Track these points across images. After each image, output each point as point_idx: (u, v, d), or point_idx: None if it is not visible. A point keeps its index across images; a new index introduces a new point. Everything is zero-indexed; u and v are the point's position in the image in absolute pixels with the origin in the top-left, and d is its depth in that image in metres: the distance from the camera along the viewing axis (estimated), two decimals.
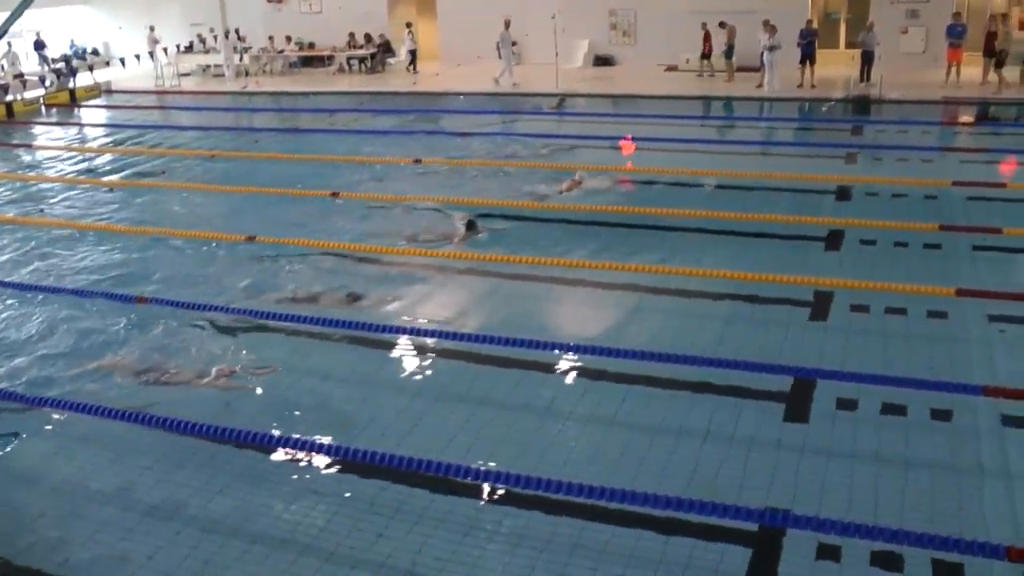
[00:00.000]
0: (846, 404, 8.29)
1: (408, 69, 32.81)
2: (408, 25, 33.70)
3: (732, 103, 26.21)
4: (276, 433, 8.08)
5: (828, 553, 6.27)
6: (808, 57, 27.11)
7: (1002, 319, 10.09)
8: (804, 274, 11.22)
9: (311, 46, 35.70)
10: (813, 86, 27.07)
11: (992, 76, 26.03)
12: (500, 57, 29.26)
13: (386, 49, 34.33)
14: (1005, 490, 7.02)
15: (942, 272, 11.55)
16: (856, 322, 10.20)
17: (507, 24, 29.04)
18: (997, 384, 8.41)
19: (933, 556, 6.11)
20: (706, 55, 29.62)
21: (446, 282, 11.93)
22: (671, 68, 31.05)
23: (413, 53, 33.03)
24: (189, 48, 36.04)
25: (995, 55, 26.30)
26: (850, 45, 31.14)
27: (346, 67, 34.33)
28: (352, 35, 34.50)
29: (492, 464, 7.48)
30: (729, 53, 28.66)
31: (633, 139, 19.55)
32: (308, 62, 35.53)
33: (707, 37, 29.42)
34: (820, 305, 10.60)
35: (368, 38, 34.38)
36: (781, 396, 8.51)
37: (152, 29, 33.86)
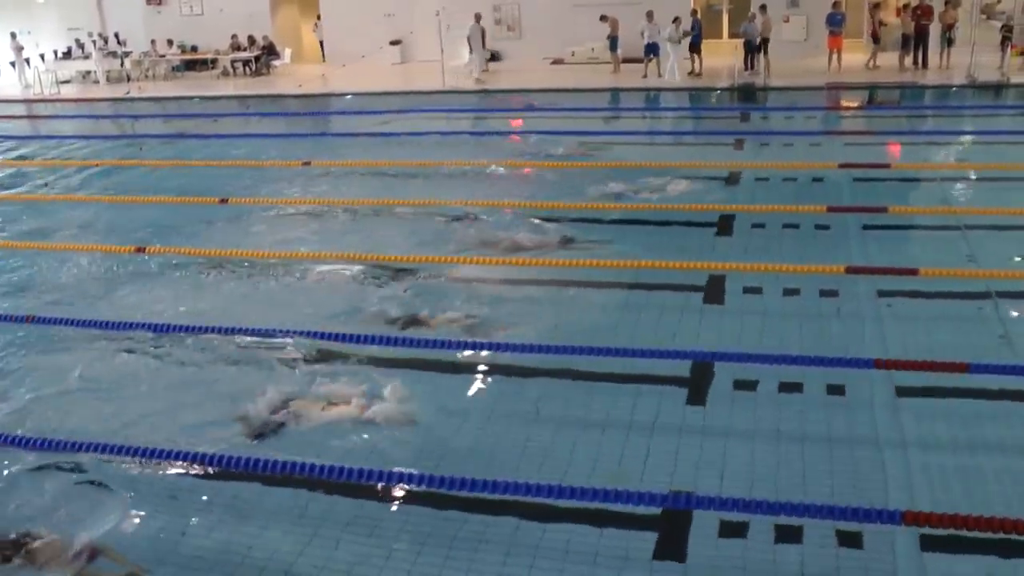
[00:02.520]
0: (744, 385, 8.39)
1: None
2: (318, 18, 33.45)
3: (620, 94, 26.49)
4: None
5: (733, 531, 6.34)
6: (695, 47, 27.73)
7: (890, 294, 10.38)
8: (697, 260, 11.38)
9: (194, 49, 35.13)
10: (699, 74, 27.66)
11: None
12: (471, 52, 28.98)
13: (270, 51, 33.90)
14: (901, 458, 7.20)
15: (832, 251, 11.80)
16: (750, 304, 10.37)
17: (478, 17, 28.83)
18: (888, 357, 8.63)
19: (835, 527, 6.22)
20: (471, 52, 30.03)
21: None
22: (557, 61, 31.32)
23: (321, 44, 33.03)
24: (67, 54, 35.03)
25: (879, 40, 27.44)
26: (733, 35, 31.84)
27: (230, 70, 33.77)
28: (235, 37, 33.99)
29: (392, 464, 7.35)
30: (613, 45, 29.01)
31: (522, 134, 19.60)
32: (191, 66, 34.92)
33: (482, 33, 29.78)
34: (714, 289, 10.74)
35: (252, 40, 33.90)
36: (680, 381, 8.57)
37: (14, 36, 32.79)
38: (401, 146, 20.00)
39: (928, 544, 6.10)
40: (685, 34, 27.28)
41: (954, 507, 6.25)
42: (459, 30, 30.30)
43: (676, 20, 27.38)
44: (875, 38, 28.03)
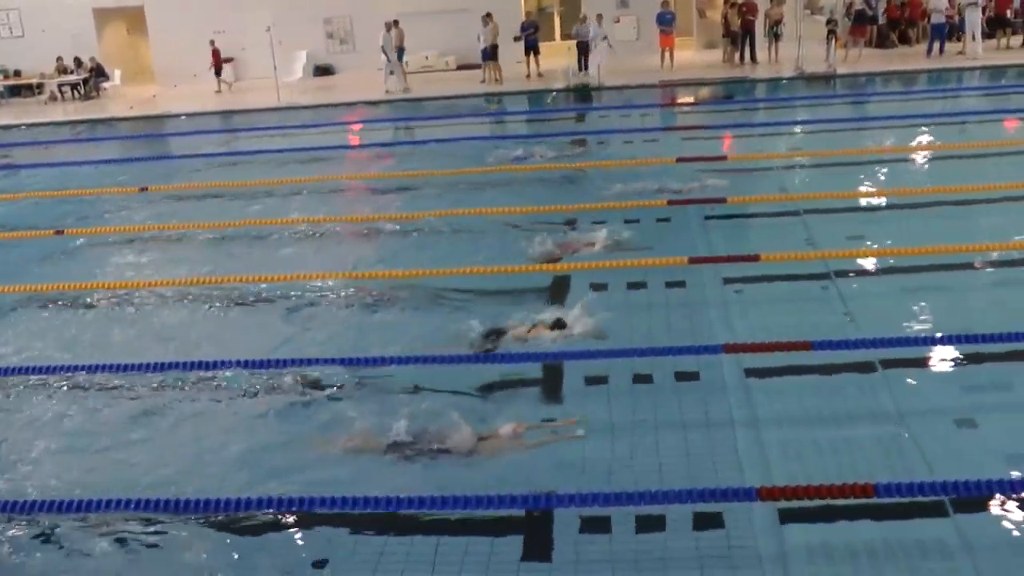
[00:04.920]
0: (596, 380, 8.56)
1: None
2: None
3: (459, 101, 26.77)
4: None
5: (596, 526, 6.45)
6: (532, 49, 28.33)
7: (734, 281, 10.77)
8: (539, 262, 11.55)
9: (17, 74, 33.77)
10: (540, 75, 28.29)
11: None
12: (388, 62, 28.55)
13: (99, 73, 32.88)
14: (754, 436, 7.48)
15: (675, 244, 12.14)
16: (597, 301, 10.54)
17: (388, 27, 28.33)
18: (736, 341, 8.94)
19: (694, 510, 6.41)
20: (217, 72, 30.41)
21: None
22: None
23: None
24: None
25: (731, 36, 28.72)
26: (565, 36, 32.51)
27: (58, 95, 32.59)
28: (60, 60, 32.80)
29: (263, 489, 7.20)
30: (399, 56, 29.32)
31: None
32: (16, 92, 33.56)
33: (215, 54, 30.23)
34: (559, 289, 10.91)
35: (78, 62, 32.81)
36: (532, 382, 8.70)
37: None
38: (240, 166, 19.72)
39: (786, 517, 6.34)
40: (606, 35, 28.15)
41: (808, 479, 6.52)
42: (292, 47, 30.28)
43: (599, 17, 28.56)
44: (727, 34, 29.44)
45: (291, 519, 6.83)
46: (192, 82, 31.45)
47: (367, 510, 6.67)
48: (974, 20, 27.42)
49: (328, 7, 32.89)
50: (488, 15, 28.03)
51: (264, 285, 11.71)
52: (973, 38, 27.45)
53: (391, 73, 28.60)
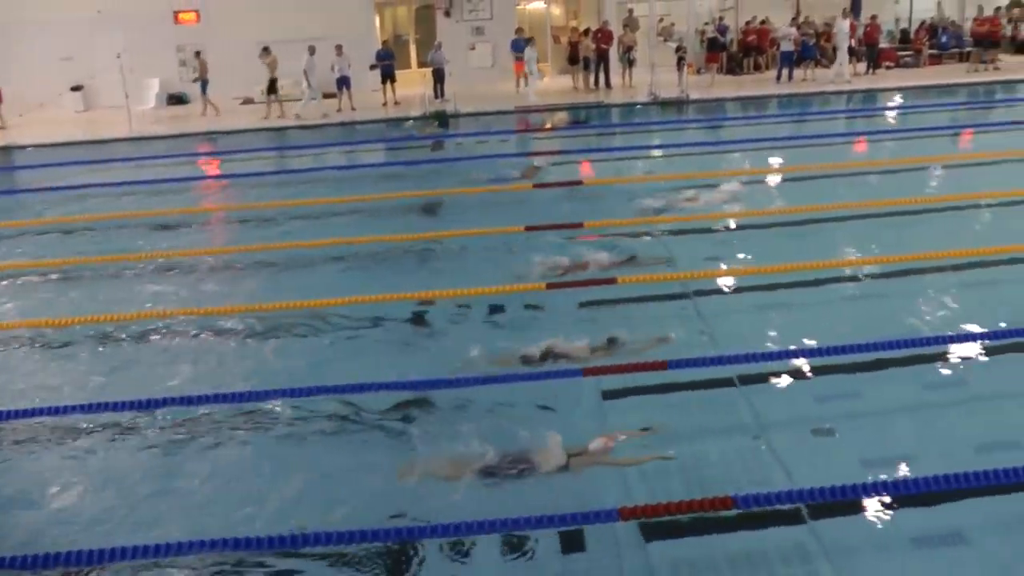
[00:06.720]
0: (458, 408, 8.55)
1: None
2: None
3: (306, 131, 26.67)
4: None
5: (461, 552, 6.49)
6: (388, 77, 28.43)
7: (592, 304, 10.94)
8: (402, 290, 11.52)
9: None
10: (397, 103, 28.40)
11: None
12: (308, 87, 28.00)
13: None
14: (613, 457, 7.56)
15: (532, 268, 12.20)
16: (459, 327, 10.59)
17: (312, 51, 27.75)
18: (594, 364, 9.04)
19: (559, 532, 6.48)
20: None
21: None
22: (247, 100, 31.06)
23: None
24: None
25: (578, 62, 29.37)
26: (421, 64, 32.68)
27: None
28: None
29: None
30: (203, 88, 29.28)
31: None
32: None
33: None
34: (421, 318, 10.94)
35: None
36: (391, 415, 8.62)
37: None
38: (91, 199, 19.17)
39: (649, 533, 6.47)
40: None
41: (670, 496, 6.65)
42: (143, 75, 29.73)
43: (531, 40, 29.39)
44: (572, 60, 30.07)
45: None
46: (40, 111, 30.44)
47: (237, 551, 6.54)
48: (843, 50, 29.19)
49: (180, 34, 32.45)
50: (339, 46, 28.02)
51: (117, 323, 11.34)
52: (841, 64, 29.26)
53: (313, 99, 28.38)
